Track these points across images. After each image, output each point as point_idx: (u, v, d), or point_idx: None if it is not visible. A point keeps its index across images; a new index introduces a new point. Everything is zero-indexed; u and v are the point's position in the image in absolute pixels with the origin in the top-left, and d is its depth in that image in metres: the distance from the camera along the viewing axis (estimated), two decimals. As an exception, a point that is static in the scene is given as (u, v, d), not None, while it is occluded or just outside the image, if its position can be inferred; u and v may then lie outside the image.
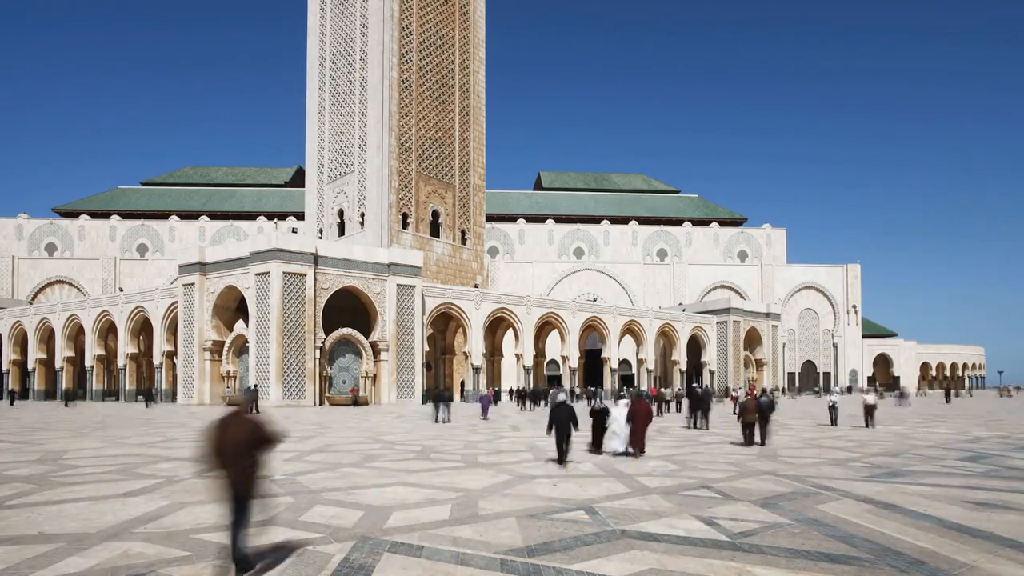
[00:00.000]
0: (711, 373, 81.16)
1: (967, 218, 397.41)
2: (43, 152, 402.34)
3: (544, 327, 68.22)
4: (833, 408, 29.27)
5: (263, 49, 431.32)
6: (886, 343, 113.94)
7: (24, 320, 71.06)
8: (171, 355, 57.97)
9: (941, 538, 8.13)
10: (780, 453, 17.88)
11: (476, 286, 65.15)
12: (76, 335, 67.77)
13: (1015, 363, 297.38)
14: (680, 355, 78.19)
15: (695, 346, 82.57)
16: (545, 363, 74.61)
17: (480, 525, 8.87)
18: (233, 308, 52.27)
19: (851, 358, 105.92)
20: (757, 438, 19.79)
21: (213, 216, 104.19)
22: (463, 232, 72.77)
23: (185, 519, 9.21)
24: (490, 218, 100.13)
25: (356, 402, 47.61)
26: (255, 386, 43.39)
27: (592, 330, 72.53)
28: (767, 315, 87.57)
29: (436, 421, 30.06)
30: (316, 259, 48.05)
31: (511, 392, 63.66)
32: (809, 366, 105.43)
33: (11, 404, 54.11)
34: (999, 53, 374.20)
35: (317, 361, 47.76)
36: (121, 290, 76.68)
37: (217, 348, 51.04)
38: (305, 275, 47.13)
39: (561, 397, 15.67)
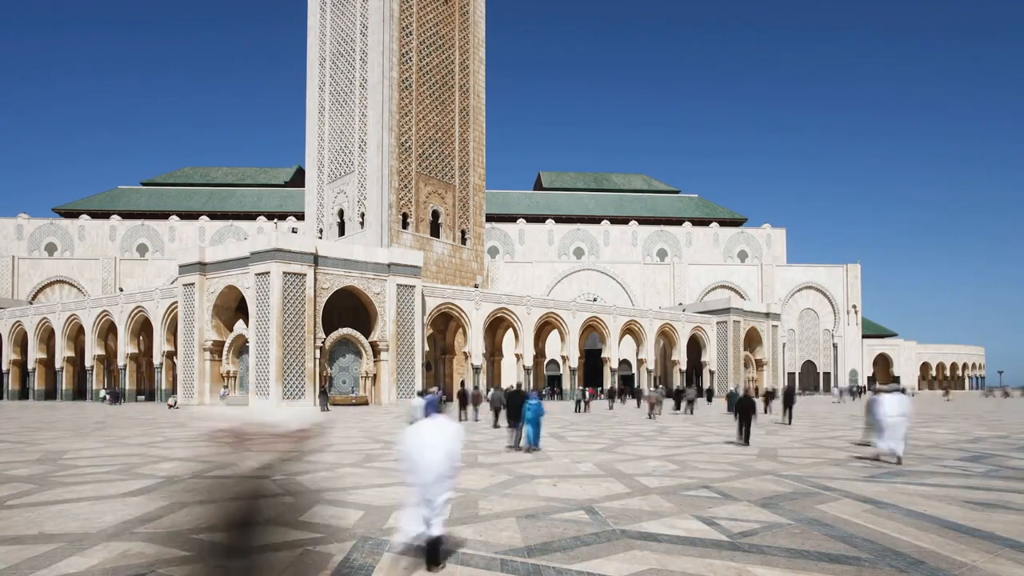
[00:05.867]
0: (711, 373, 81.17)
1: (967, 218, 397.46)
2: (43, 152, 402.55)
3: (544, 327, 68.21)
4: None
5: (263, 49, 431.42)
6: (886, 343, 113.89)
7: (24, 320, 71.05)
8: (171, 355, 57.97)
9: (941, 538, 8.13)
10: (780, 453, 17.88)
11: (476, 286, 65.14)
12: (76, 335, 67.76)
13: (1015, 363, 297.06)
14: (680, 355, 78.19)
15: (695, 346, 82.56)
16: (545, 363, 74.59)
17: (480, 525, 8.87)
18: (233, 308, 52.28)
19: (851, 358, 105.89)
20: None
21: (213, 216, 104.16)
22: (463, 232, 72.76)
23: (185, 519, 9.20)
24: (490, 218, 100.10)
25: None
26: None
27: (592, 330, 72.52)
28: (767, 315, 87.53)
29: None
30: (316, 259, 48.05)
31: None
32: (809, 366, 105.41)
33: None
34: (1000, 52, 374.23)
35: (317, 361, 47.74)
36: (121, 290, 76.67)
37: (217, 348, 51.04)
38: (305, 275, 47.13)
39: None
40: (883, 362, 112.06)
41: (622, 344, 76.11)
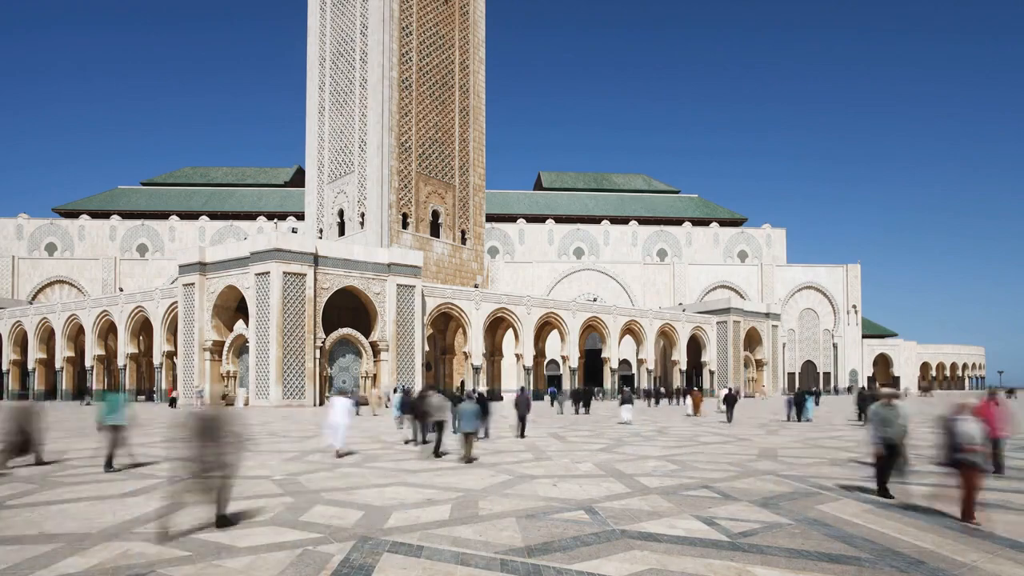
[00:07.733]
0: (711, 373, 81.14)
1: (967, 218, 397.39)
2: (43, 152, 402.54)
3: (544, 327, 68.18)
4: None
5: (263, 49, 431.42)
6: (886, 343, 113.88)
7: (24, 320, 71.01)
8: (171, 355, 57.94)
9: (941, 538, 8.13)
10: (780, 453, 17.87)
11: (476, 286, 65.12)
12: (76, 335, 67.71)
13: (1015, 363, 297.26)
14: (680, 355, 78.16)
15: (695, 346, 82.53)
16: (545, 363, 74.58)
17: (480, 525, 8.86)
18: (233, 308, 52.24)
19: (851, 358, 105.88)
20: None
21: (213, 216, 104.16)
22: (463, 232, 72.75)
23: (185, 519, 9.20)
24: (490, 218, 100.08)
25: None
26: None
27: (592, 330, 72.50)
28: (767, 315, 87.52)
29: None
30: (316, 259, 48.03)
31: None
32: (809, 366, 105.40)
33: None
34: (1000, 52, 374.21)
35: (317, 361, 47.73)
36: (121, 290, 76.67)
37: (217, 348, 51.00)
38: (305, 275, 47.11)
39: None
40: (883, 362, 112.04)
41: (622, 344, 76.07)
